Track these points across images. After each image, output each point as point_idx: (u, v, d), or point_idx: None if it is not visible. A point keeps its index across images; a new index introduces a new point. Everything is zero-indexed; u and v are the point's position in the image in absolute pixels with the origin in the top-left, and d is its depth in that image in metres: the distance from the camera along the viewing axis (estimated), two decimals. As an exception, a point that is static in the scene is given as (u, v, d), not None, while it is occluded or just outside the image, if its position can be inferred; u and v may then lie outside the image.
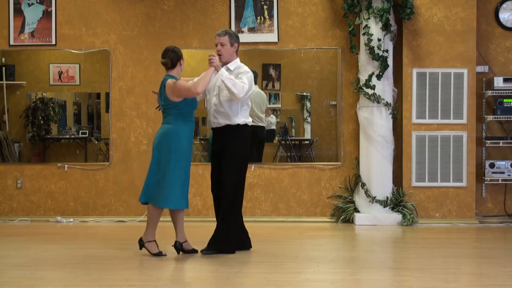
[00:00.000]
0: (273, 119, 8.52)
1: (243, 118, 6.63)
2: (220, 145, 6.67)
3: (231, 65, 6.65)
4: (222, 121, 6.63)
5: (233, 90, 6.42)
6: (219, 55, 6.63)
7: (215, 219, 6.76)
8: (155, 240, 6.52)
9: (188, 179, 6.52)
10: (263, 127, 9.94)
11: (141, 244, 6.53)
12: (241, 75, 6.56)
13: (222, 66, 6.63)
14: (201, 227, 7.91)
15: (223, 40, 6.64)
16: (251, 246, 6.83)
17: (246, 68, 6.67)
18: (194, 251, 6.63)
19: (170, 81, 6.48)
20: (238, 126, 6.60)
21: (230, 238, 6.60)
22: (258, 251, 6.78)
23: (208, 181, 8.51)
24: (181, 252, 6.56)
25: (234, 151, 6.59)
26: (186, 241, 6.63)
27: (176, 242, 6.55)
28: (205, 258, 6.38)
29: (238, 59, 6.75)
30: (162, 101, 6.55)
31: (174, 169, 6.38)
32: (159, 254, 6.48)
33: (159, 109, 6.71)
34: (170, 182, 6.37)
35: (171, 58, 6.53)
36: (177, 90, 6.40)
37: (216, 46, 6.68)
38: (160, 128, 6.59)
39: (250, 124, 6.73)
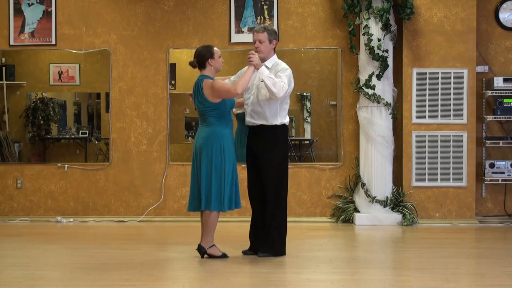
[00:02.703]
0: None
1: (281, 119, 6.44)
2: (256, 144, 6.47)
3: (268, 63, 6.46)
4: (258, 121, 6.44)
5: (272, 90, 6.22)
6: (257, 52, 6.42)
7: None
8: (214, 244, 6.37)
9: (237, 179, 6.31)
10: None
11: (203, 251, 6.32)
12: (279, 73, 6.37)
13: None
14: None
15: (261, 37, 6.45)
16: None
17: (284, 65, 6.49)
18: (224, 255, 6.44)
19: (206, 81, 6.23)
20: (275, 126, 6.43)
21: (282, 241, 6.51)
22: (258, 251, 6.77)
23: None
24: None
25: (272, 152, 6.42)
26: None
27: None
28: (205, 258, 6.37)
29: (275, 56, 6.56)
30: (199, 103, 6.28)
31: (225, 172, 6.18)
32: (224, 255, 6.36)
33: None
34: (224, 185, 6.17)
35: (197, 60, 6.31)
36: (216, 91, 6.18)
37: (254, 43, 6.48)
38: (199, 131, 6.33)
39: (287, 123, 6.54)
